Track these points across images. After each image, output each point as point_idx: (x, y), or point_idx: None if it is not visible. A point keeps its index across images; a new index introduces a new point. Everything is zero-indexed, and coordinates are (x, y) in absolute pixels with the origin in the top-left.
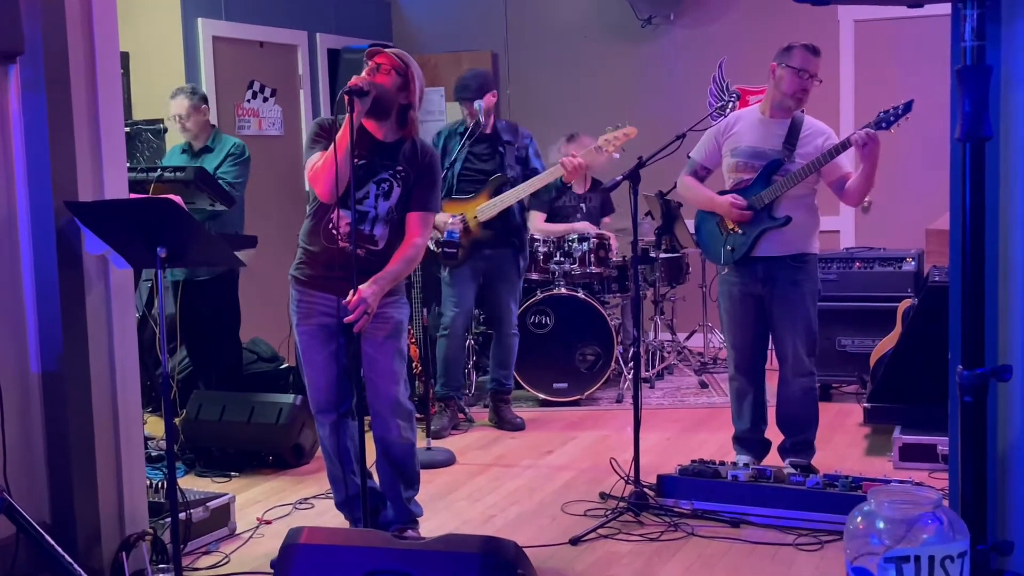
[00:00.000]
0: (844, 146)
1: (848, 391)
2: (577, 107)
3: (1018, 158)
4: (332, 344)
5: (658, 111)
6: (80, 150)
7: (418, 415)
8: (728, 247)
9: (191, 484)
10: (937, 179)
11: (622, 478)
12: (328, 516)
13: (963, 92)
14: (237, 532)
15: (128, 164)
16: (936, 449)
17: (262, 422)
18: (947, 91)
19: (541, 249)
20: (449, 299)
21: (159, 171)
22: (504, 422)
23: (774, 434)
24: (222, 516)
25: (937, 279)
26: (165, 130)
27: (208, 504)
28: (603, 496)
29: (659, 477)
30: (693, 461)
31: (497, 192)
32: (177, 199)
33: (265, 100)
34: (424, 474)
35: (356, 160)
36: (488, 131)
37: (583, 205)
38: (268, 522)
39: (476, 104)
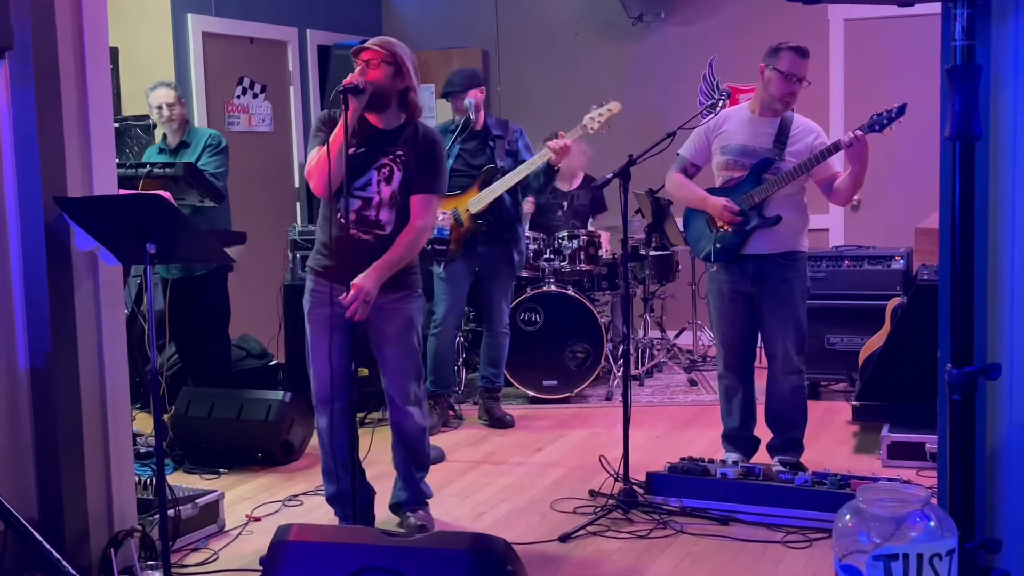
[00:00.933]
0: (834, 148)
1: (837, 389)
2: (568, 104)
3: (1007, 157)
4: (339, 335)
5: (648, 109)
6: (69, 146)
7: None
8: (717, 245)
9: (180, 481)
10: (926, 178)
11: (611, 475)
12: (317, 513)
13: (953, 91)
14: (226, 529)
15: (117, 160)
16: (924, 447)
17: (251, 419)
18: (937, 90)
19: (531, 247)
20: (441, 296)
21: (148, 167)
22: (494, 419)
23: (763, 432)
24: (211, 513)
25: (926, 278)
26: (154, 126)
27: (197, 501)
28: (592, 493)
29: (648, 475)
30: (682, 459)
31: (487, 184)
32: (166, 195)
33: (255, 96)
34: None
35: (355, 150)
36: (479, 127)
37: (565, 203)
38: (257, 519)
39: (467, 102)
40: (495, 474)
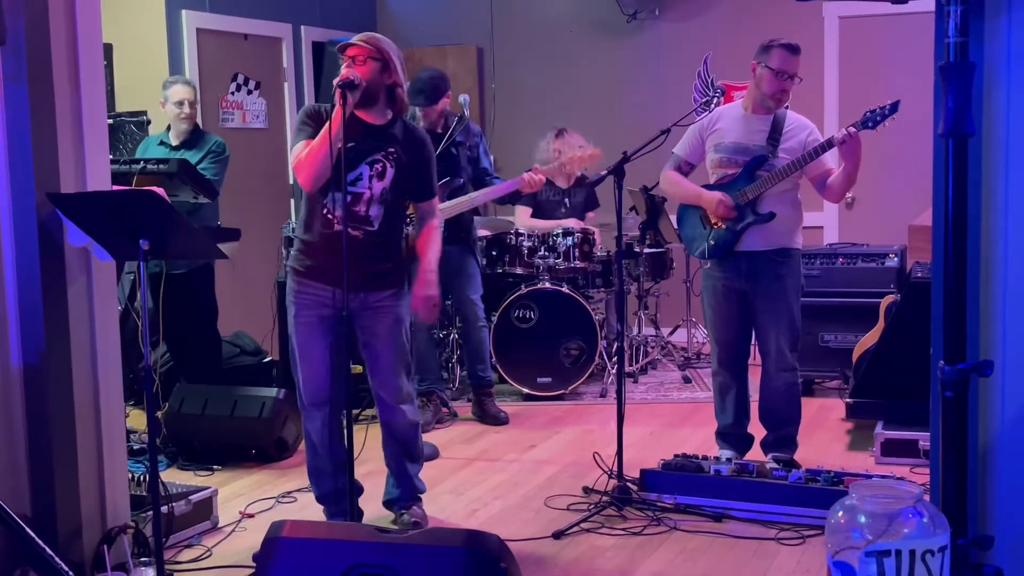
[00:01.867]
0: (828, 145)
1: (831, 386)
2: (562, 102)
3: (1000, 154)
4: (330, 337)
5: (643, 106)
6: (62, 142)
7: None
8: (711, 241)
9: (173, 477)
10: (920, 175)
11: (605, 472)
12: (311, 510)
13: (946, 88)
14: (219, 526)
15: (111, 156)
16: (918, 444)
17: (245, 416)
18: (931, 87)
19: (525, 244)
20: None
21: (142, 163)
22: (487, 416)
23: (757, 429)
24: (204, 510)
25: (919, 275)
26: (148, 122)
27: (190, 498)
28: (586, 490)
29: (642, 471)
30: (676, 456)
31: (451, 195)
32: (160, 191)
33: (249, 93)
34: None
35: (346, 144)
36: (440, 130)
37: (567, 200)
38: (251, 515)
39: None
40: (489, 471)
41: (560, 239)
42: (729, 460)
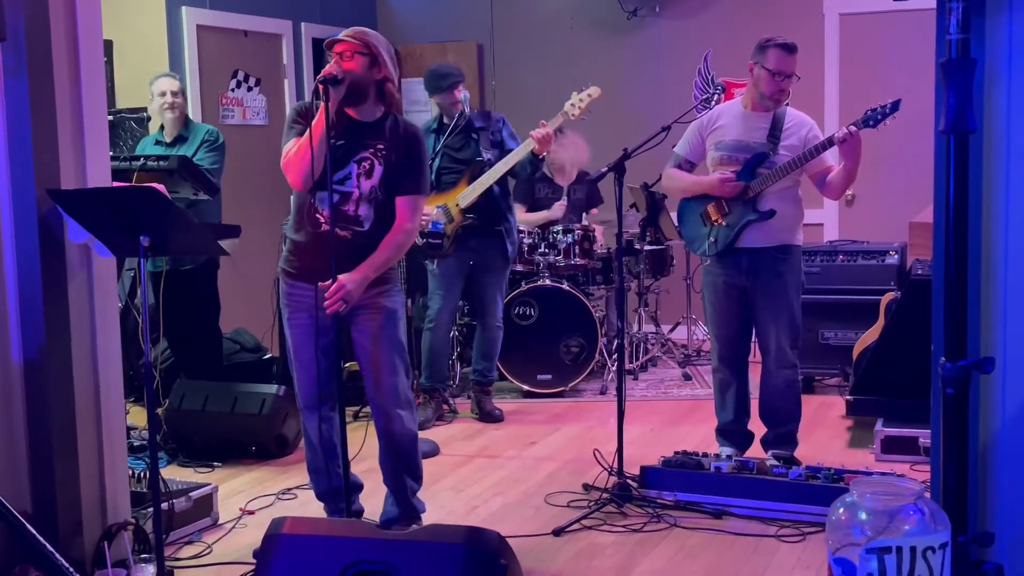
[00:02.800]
0: (828, 143)
1: (831, 383)
2: (562, 99)
3: (1001, 151)
4: (323, 338)
5: (643, 103)
6: (63, 138)
7: None
8: (711, 238)
9: (174, 474)
10: (921, 172)
11: (605, 469)
12: (311, 507)
13: (948, 85)
14: (220, 522)
15: (111, 153)
16: (918, 442)
17: (245, 412)
18: (931, 84)
19: (526, 241)
20: (436, 291)
21: (142, 160)
22: (484, 414)
23: (757, 426)
24: (205, 506)
25: (920, 272)
26: (148, 118)
27: (191, 494)
28: (586, 487)
29: (642, 468)
30: (676, 453)
31: (475, 178)
32: (160, 187)
33: (249, 89)
34: None
35: (334, 141)
36: (462, 122)
37: (566, 199)
38: (251, 512)
39: (462, 95)
40: (489, 468)
41: (560, 236)
42: (729, 457)
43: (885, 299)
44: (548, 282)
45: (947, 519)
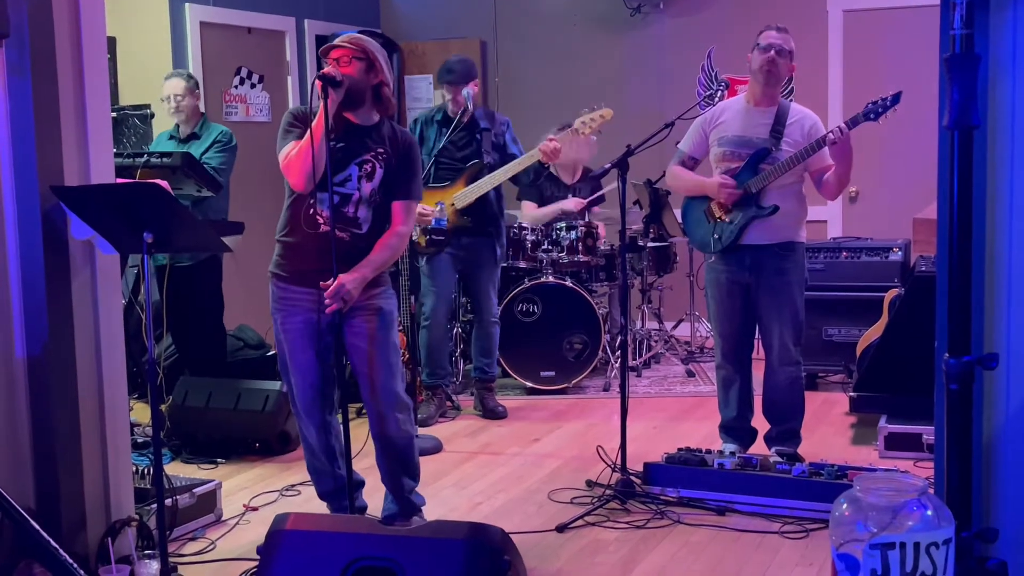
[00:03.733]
0: (822, 143)
1: (834, 380)
2: (565, 96)
3: (1006, 147)
4: (319, 342)
5: (647, 100)
6: (66, 134)
7: None
8: (715, 235)
9: (177, 470)
10: (924, 168)
11: (609, 466)
12: (315, 503)
13: (951, 80)
14: (223, 518)
15: (115, 149)
16: (921, 438)
17: (248, 409)
18: (935, 80)
19: (529, 237)
20: (429, 289)
21: (146, 156)
22: (487, 410)
23: (760, 423)
24: (208, 502)
25: (923, 269)
26: (152, 115)
27: (194, 490)
28: (590, 484)
29: (645, 465)
30: (679, 449)
31: (474, 179)
32: (164, 184)
33: (252, 86)
34: None
35: (333, 144)
36: (466, 119)
37: (568, 194)
38: (254, 509)
39: (464, 92)
40: (492, 464)
41: (563, 233)
42: (733, 454)
43: (889, 296)
44: (551, 279)
45: (951, 515)
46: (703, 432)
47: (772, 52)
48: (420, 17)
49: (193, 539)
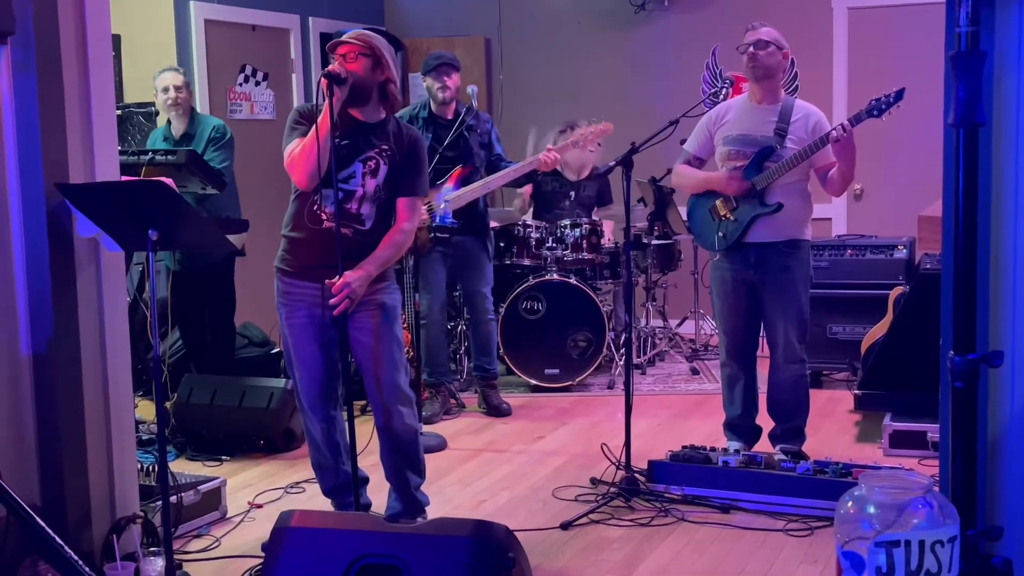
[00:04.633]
0: (826, 140)
1: (839, 378)
2: (570, 93)
3: (1011, 144)
4: (323, 337)
5: (651, 97)
6: (71, 132)
7: None
8: (720, 233)
9: (182, 468)
10: (929, 166)
11: (613, 464)
12: (319, 500)
13: (957, 78)
14: (228, 516)
15: (119, 147)
16: (926, 436)
17: (253, 406)
18: (940, 77)
19: (533, 235)
20: (423, 288)
21: (150, 154)
22: (491, 408)
23: (765, 420)
24: (213, 500)
25: (928, 267)
26: (156, 113)
27: (199, 488)
28: (594, 481)
29: (650, 463)
30: (684, 447)
31: (465, 180)
32: (169, 182)
33: (257, 84)
34: None
35: (338, 141)
36: (450, 116)
37: (573, 193)
38: (259, 506)
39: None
40: (496, 462)
41: (568, 230)
42: (737, 451)
43: (893, 293)
44: (555, 276)
45: (956, 513)
46: (707, 430)
47: (750, 48)
48: (424, 15)
49: (198, 536)
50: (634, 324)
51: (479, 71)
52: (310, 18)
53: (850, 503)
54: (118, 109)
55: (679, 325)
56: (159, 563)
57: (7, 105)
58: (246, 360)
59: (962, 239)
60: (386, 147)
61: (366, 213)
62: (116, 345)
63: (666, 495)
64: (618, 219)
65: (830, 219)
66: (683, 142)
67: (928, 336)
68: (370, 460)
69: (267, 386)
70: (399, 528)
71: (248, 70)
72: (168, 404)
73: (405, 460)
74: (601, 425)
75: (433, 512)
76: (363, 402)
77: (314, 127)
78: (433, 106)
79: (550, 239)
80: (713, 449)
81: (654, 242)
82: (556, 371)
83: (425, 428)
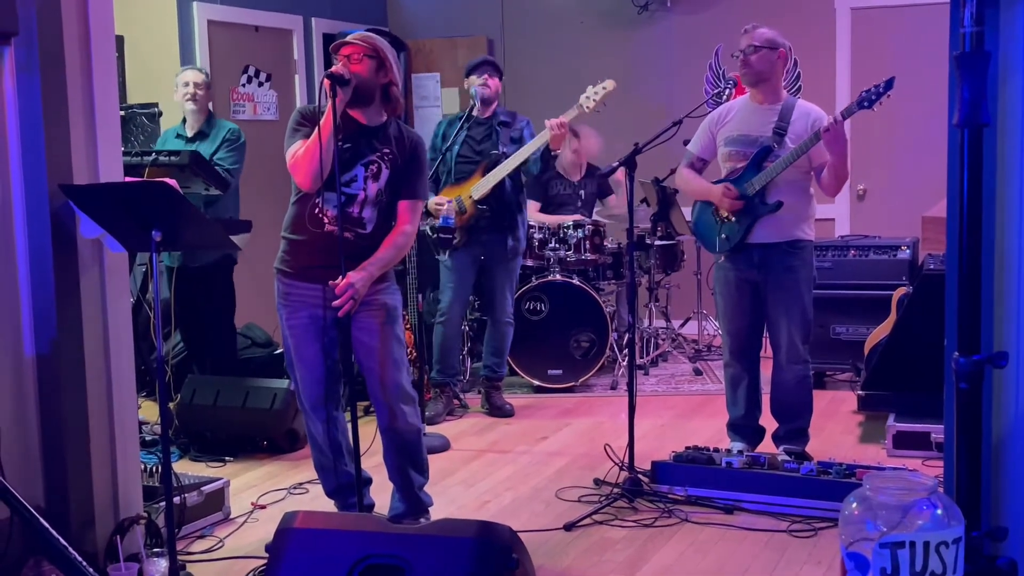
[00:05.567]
0: (818, 136)
1: (842, 379)
2: (572, 94)
3: (1015, 145)
4: (323, 337)
5: (654, 98)
6: (75, 133)
7: None
8: (723, 235)
9: (185, 468)
10: (933, 166)
11: (616, 464)
12: (322, 501)
13: (962, 78)
14: (231, 516)
15: (123, 148)
16: (930, 437)
17: (256, 407)
18: (944, 78)
19: (536, 236)
20: (448, 284)
21: (154, 155)
22: (494, 408)
23: (768, 421)
24: (216, 501)
25: (932, 267)
26: (160, 114)
27: (202, 488)
28: (597, 482)
29: (653, 463)
30: (687, 448)
31: (490, 171)
32: (172, 183)
33: (260, 85)
34: None
35: (340, 145)
36: (487, 115)
37: (581, 192)
38: (263, 507)
39: (472, 89)
40: (500, 463)
41: (571, 231)
42: (740, 452)
43: (897, 294)
44: (558, 277)
45: (960, 514)
46: (711, 430)
47: (742, 55)
48: (427, 15)
49: (201, 537)
50: (637, 325)
51: None
52: (313, 19)
53: (855, 504)
54: (121, 110)
55: (682, 326)
56: (163, 564)
57: (11, 106)
58: (249, 361)
59: (967, 240)
60: (388, 151)
61: (367, 217)
62: (120, 346)
63: (670, 496)
64: (621, 219)
65: (833, 219)
66: (687, 143)
67: (932, 337)
68: (373, 461)
69: (270, 387)
70: (403, 529)
71: (251, 71)
72: (171, 405)
73: (409, 460)
74: (604, 426)
75: (436, 513)
76: (365, 403)
77: (317, 129)
78: (476, 106)
79: (553, 240)
80: (716, 450)
81: (657, 243)
82: (559, 372)
83: (428, 429)
